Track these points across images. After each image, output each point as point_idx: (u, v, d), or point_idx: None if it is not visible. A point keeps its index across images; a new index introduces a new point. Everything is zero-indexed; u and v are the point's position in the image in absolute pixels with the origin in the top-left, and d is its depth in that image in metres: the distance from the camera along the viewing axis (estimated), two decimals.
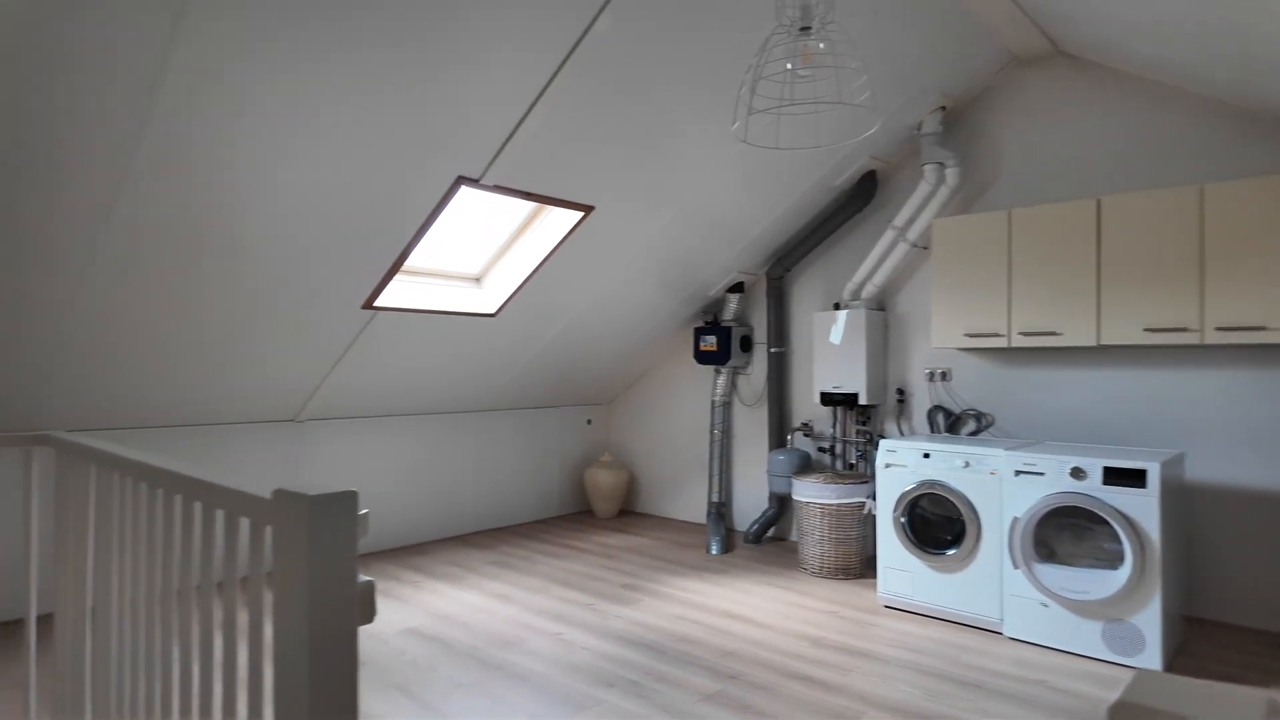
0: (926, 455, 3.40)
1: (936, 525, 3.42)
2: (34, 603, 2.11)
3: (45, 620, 3.26)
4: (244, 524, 4.12)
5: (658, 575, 3.99)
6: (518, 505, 5.32)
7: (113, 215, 2.55)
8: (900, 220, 4.02)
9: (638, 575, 4.00)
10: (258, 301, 3.22)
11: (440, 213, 3.18)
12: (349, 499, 0.95)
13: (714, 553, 4.45)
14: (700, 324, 5.18)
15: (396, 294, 3.66)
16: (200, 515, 1.46)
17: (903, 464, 3.47)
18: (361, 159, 2.78)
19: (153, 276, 2.86)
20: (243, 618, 3.13)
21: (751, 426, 5.00)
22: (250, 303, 3.20)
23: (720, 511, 4.88)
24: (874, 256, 4.13)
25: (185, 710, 1.38)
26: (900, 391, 4.25)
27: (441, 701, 2.51)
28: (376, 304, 3.55)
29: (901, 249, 4.03)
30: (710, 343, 4.87)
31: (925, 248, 4.13)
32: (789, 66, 2.14)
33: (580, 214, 3.63)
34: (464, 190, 3.19)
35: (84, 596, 1.94)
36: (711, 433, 4.97)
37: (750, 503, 5.01)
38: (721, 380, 4.96)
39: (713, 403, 4.99)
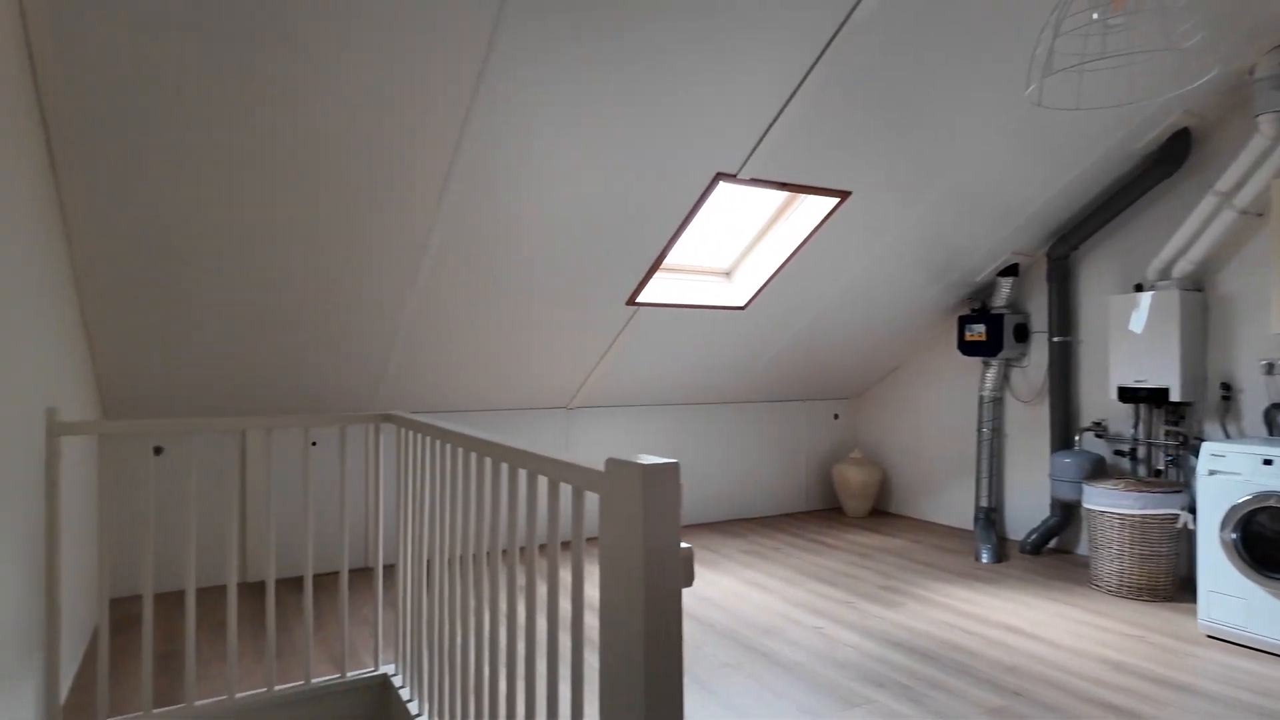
0: (1268, 462, 2.84)
1: None
2: (380, 554, 2.53)
3: (389, 570, 3.91)
4: (565, 490, 4.57)
5: (920, 580, 3.77)
6: (765, 497, 5.34)
7: (430, 237, 2.98)
8: (1225, 183, 3.39)
9: (897, 578, 3.81)
10: (541, 304, 3.57)
11: (698, 210, 3.29)
12: (673, 469, 1.02)
13: (984, 561, 4.11)
14: (966, 312, 4.79)
15: (656, 290, 3.85)
16: (524, 481, 1.65)
17: (1233, 471, 2.93)
18: (627, 167, 2.96)
19: (457, 287, 3.30)
20: (564, 576, 3.50)
21: (1028, 425, 4.53)
22: (534, 305, 3.56)
23: (990, 517, 4.49)
24: (1189, 228, 3.53)
25: (511, 654, 1.58)
26: (1226, 386, 3.59)
27: (710, 678, 2.60)
28: (639, 300, 3.77)
29: (1227, 217, 3.40)
30: (978, 332, 4.49)
31: (1260, 214, 3.45)
32: (1094, 17, 1.90)
33: (835, 200, 3.54)
34: (721, 186, 3.27)
35: (420, 551, 2.29)
36: (979, 431, 4.59)
37: (1026, 509, 4.54)
38: (991, 373, 4.55)
39: (981, 398, 4.60)
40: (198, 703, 2.32)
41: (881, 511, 5.47)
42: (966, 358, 4.85)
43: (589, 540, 4.67)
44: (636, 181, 3.06)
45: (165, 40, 2.09)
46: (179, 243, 2.71)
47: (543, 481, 3.60)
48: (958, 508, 4.98)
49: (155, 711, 2.27)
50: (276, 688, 2.42)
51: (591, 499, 4.75)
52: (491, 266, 3.28)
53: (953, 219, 3.91)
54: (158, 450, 3.54)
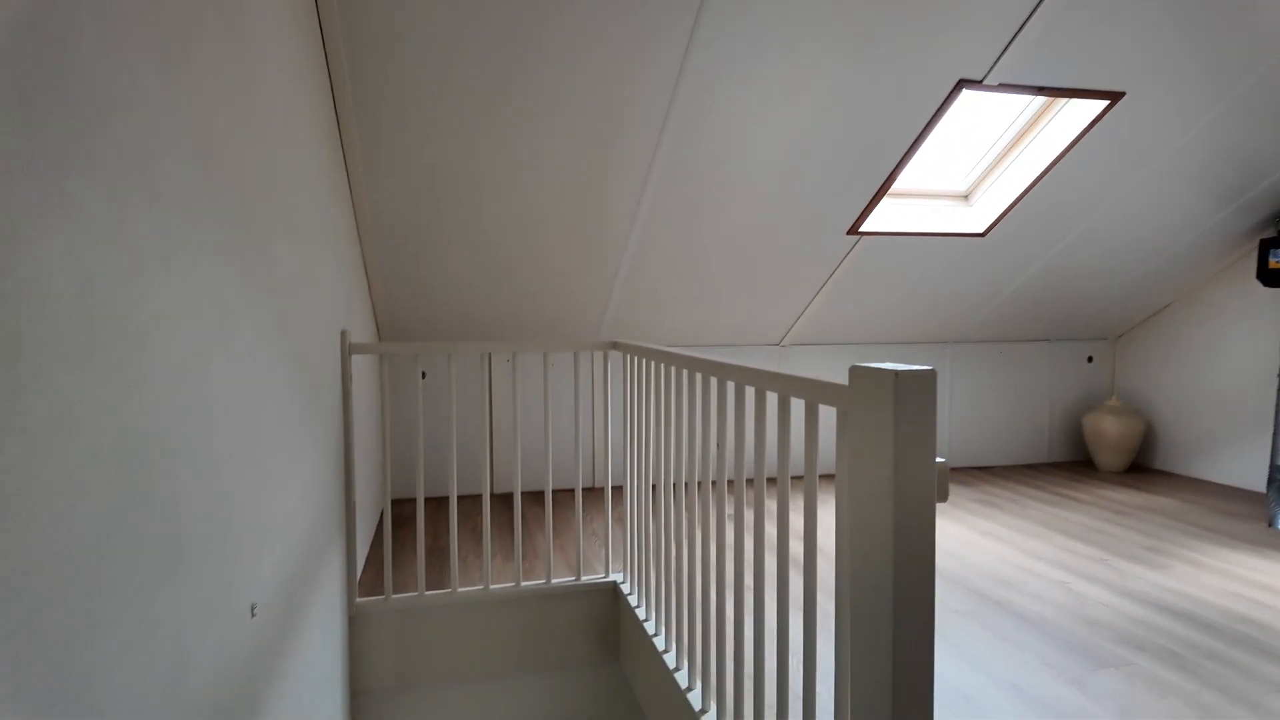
0: None
1: None
2: (609, 475, 2.69)
3: (617, 490, 4.18)
4: (796, 406, 4.62)
5: (1194, 543, 3.29)
6: (1000, 446, 4.92)
7: (651, 172, 3.02)
8: None
9: (1165, 539, 3.35)
10: (757, 234, 3.51)
11: (936, 123, 3.01)
12: (929, 378, 0.96)
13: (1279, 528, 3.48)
14: (1270, 234, 3.98)
15: (882, 218, 3.62)
16: (751, 399, 1.64)
17: None
18: (856, 80, 2.77)
19: (675, 221, 3.34)
20: (796, 498, 3.55)
21: None
22: (751, 236, 3.51)
23: None
24: None
25: (738, 577, 1.61)
26: None
27: (941, 623, 2.49)
28: (861, 229, 3.57)
29: None
30: None
31: None
32: None
33: (1103, 104, 3.06)
34: (964, 95, 2.96)
35: (646, 472, 2.40)
36: None
37: None
38: None
39: None
40: (459, 589, 2.66)
41: (1143, 467, 4.82)
42: (1268, 289, 4.05)
43: (822, 478, 4.61)
44: (865, 96, 2.86)
45: (441, 15, 2.28)
46: (440, 192, 3.00)
47: (771, 401, 3.56)
48: (1243, 466, 4.24)
49: (426, 593, 2.63)
50: (523, 584, 2.70)
51: (825, 428, 4.66)
52: (708, 196, 3.27)
53: (1255, 125, 3.22)
54: (424, 375, 4.03)
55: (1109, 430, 4.65)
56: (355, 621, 2.55)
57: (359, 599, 2.56)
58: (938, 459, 0.98)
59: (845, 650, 1.16)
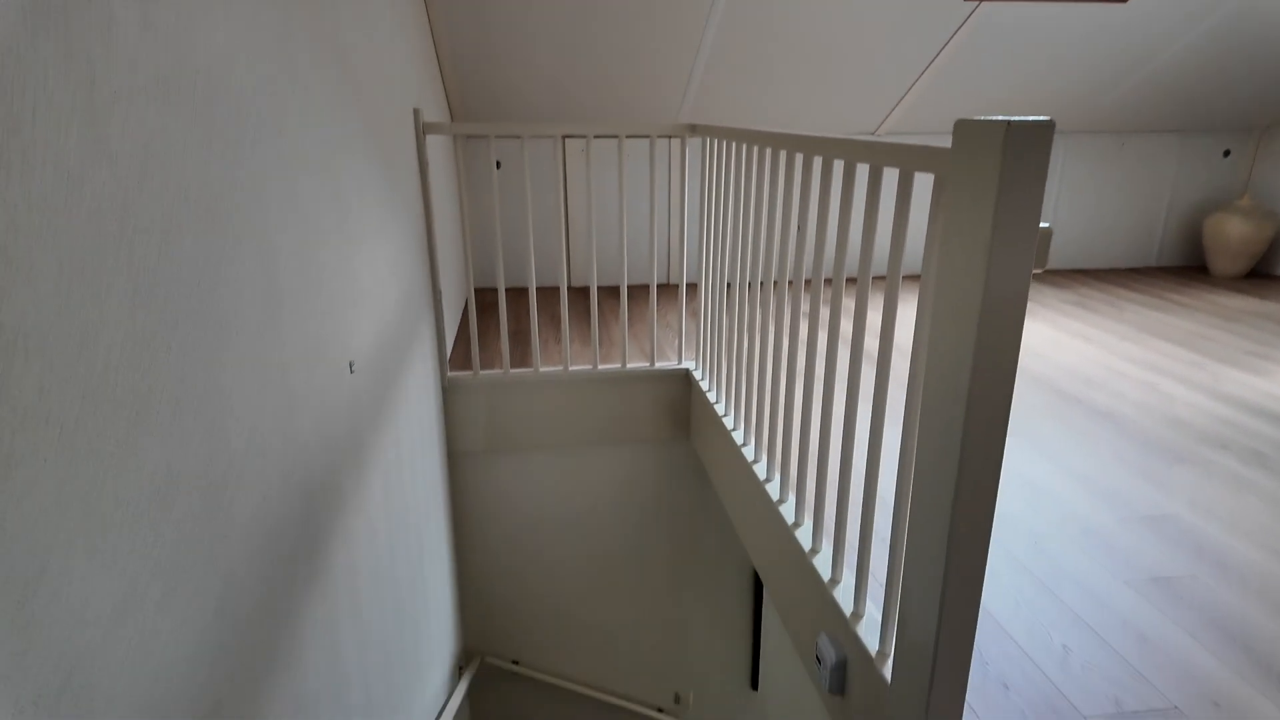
0: None
1: None
2: (684, 266, 2.67)
3: (691, 287, 4.20)
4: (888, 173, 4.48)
5: None
6: (1103, 249, 4.61)
7: None
8: None
9: (1273, 345, 3.17)
10: (852, 4, 3.13)
11: None
12: (1046, 130, 0.86)
13: None
14: None
15: None
16: (839, 174, 1.53)
17: None
18: None
19: None
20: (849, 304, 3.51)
21: None
22: (844, 6, 3.13)
23: None
24: None
25: (810, 360, 1.60)
26: None
27: (1015, 416, 2.49)
28: None
29: None
30: None
31: None
32: None
33: None
34: None
35: (722, 260, 2.36)
36: None
37: None
38: None
39: None
40: (541, 369, 2.80)
41: (1264, 274, 4.46)
42: None
43: (907, 278, 4.49)
44: None
45: None
46: None
47: (861, 180, 3.40)
48: None
49: (510, 370, 2.79)
50: (600, 366, 2.81)
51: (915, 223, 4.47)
52: None
53: None
54: (498, 165, 3.98)
55: (1233, 232, 4.26)
56: (448, 391, 2.74)
57: (450, 372, 2.74)
58: (1041, 224, 0.90)
59: (913, 430, 1.17)
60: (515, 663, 3.47)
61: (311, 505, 1.26)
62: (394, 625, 1.88)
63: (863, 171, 4.17)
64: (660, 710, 3.72)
